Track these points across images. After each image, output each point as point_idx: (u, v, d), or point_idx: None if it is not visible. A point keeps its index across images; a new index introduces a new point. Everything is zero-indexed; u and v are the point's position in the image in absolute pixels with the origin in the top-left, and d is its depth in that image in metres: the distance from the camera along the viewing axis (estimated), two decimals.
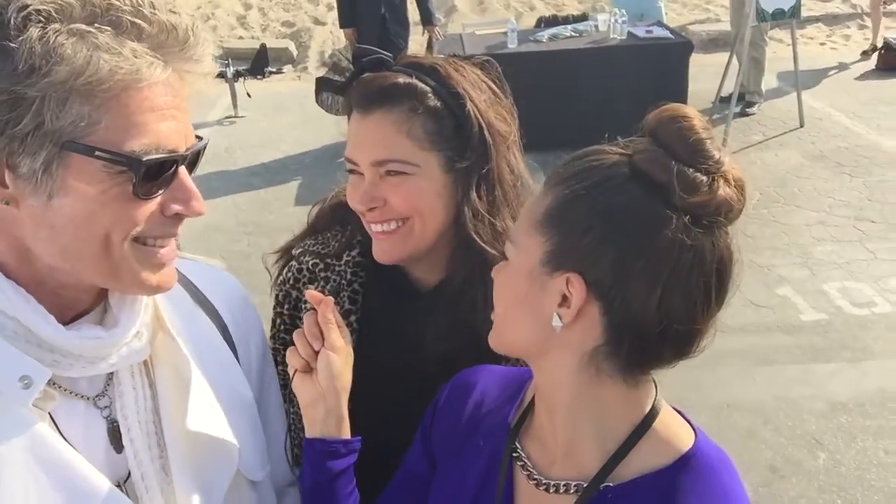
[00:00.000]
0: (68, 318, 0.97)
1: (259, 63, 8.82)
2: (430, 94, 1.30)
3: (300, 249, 1.49)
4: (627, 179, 0.94)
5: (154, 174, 0.90)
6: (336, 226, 1.49)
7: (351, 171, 1.34)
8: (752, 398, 3.91)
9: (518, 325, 1.01)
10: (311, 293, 1.20)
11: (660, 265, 0.92)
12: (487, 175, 1.34)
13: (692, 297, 0.94)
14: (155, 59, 0.87)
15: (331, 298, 1.20)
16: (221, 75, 8.51)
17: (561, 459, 1.05)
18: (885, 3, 9.40)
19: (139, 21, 0.85)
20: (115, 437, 1.00)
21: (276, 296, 1.52)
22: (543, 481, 1.05)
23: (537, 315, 0.98)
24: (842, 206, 5.89)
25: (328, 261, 1.46)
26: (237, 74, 8.37)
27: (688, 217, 0.91)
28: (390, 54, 1.37)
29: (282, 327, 1.54)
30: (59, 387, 0.96)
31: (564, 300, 0.95)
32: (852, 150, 6.86)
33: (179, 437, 1.03)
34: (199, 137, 0.98)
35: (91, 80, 0.83)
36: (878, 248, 5.28)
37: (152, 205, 0.92)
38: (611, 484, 0.99)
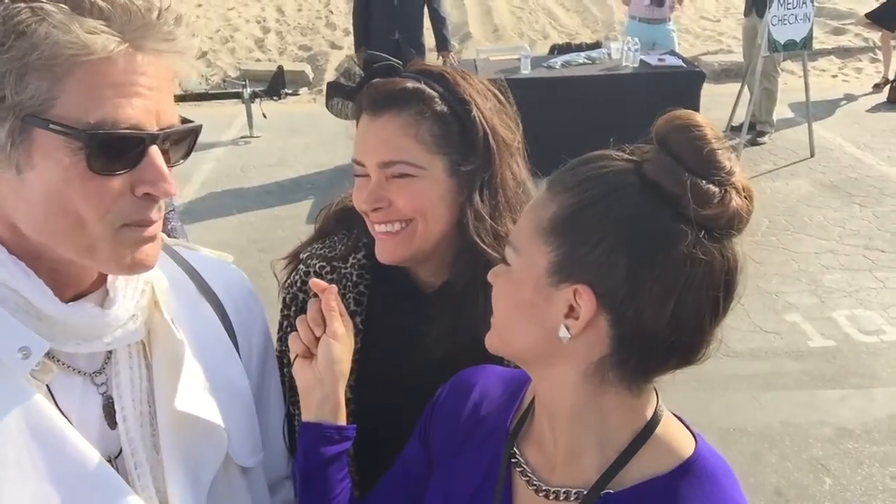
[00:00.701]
0: (69, 296, 1.01)
1: (276, 85, 8.93)
2: (437, 99, 1.34)
3: (307, 253, 1.53)
4: (637, 189, 0.93)
5: (114, 150, 0.90)
6: (341, 230, 1.52)
7: (357, 175, 1.37)
8: (758, 423, 3.91)
9: (520, 332, 1.00)
10: (315, 281, 1.24)
11: (673, 278, 0.91)
12: (491, 180, 1.38)
13: (702, 309, 0.93)
14: (111, 35, 0.88)
15: (334, 287, 1.23)
16: (238, 96, 8.63)
17: (561, 466, 1.04)
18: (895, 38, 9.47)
19: (98, 0, 0.88)
20: (110, 414, 1.04)
21: (284, 298, 1.55)
22: (543, 487, 1.04)
23: (542, 324, 0.97)
24: (851, 235, 5.89)
25: (334, 263, 1.48)
26: (254, 95, 8.48)
27: (702, 231, 0.90)
28: (399, 61, 1.41)
29: (288, 330, 1.55)
30: (59, 361, 1.00)
31: (571, 311, 0.94)
32: (862, 181, 6.88)
33: (171, 417, 1.06)
34: (188, 121, 1.00)
35: (45, 55, 0.85)
36: (887, 276, 5.28)
37: (116, 183, 0.92)
38: (611, 491, 0.99)
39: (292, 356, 1.25)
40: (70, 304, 0.99)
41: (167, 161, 0.97)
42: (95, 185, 0.91)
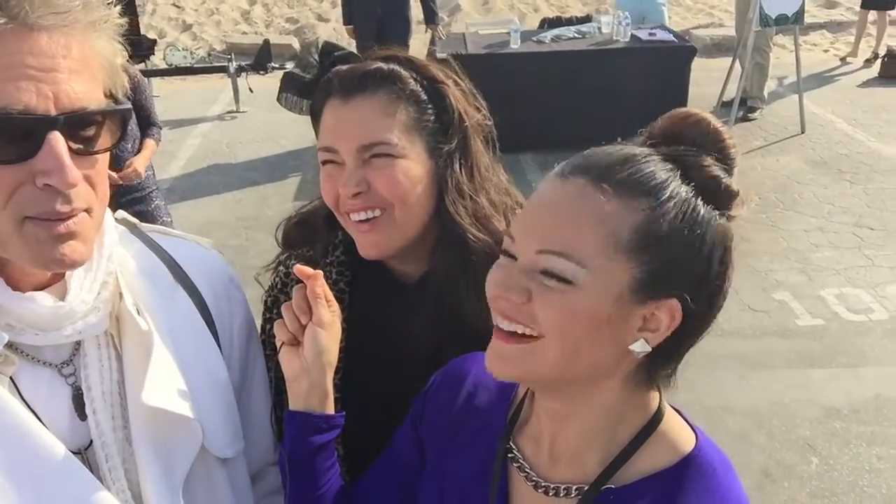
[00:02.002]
0: (27, 289, 0.97)
1: (262, 58, 8.81)
2: (411, 80, 1.31)
3: (286, 254, 1.49)
4: (690, 189, 0.90)
5: (2, 137, 0.85)
6: (306, 241, 1.47)
7: (326, 162, 1.32)
8: (746, 402, 3.91)
9: (593, 352, 0.92)
10: (300, 267, 1.19)
11: (729, 274, 0.93)
12: (466, 159, 1.36)
13: (725, 298, 0.95)
14: None
15: (320, 272, 1.19)
16: (224, 70, 8.52)
17: (562, 462, 1.03)
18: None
19: None
20: (80, 405, 1.01)
21: (265, 301, 1.52)
22: (542, 483, 1.03)
23: (615, 341, 0.91)
24: (841, 212, 5.89)
25: (314, 263, 1.43)
26: (240, 69, 8.37)
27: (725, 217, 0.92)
28: (356, 53, 1.38)
29: (271, 333, 1.53)
30: (22, 352, 0.98)
31: (645, 322, 0.90)
32: (853, 157, 6.87)
33: (142, 409, 1.04)
34: (116, 101, 0.94)
35: None
36: (876, 254, 5.28)
37: (10, 173, 0.87)
38: (613, 486, 0.98)
39: (278, 343, 1.21)
40: (24, 294, 0.96)
41: (83, 148, 0.90)
42: None
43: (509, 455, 1.08)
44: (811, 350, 4.32)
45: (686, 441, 1.01)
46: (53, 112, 0.86)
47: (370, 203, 1.29)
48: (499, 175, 1.43)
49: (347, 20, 7.51)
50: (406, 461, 1.22)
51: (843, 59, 9.57)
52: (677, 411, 1.05)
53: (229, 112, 8.36)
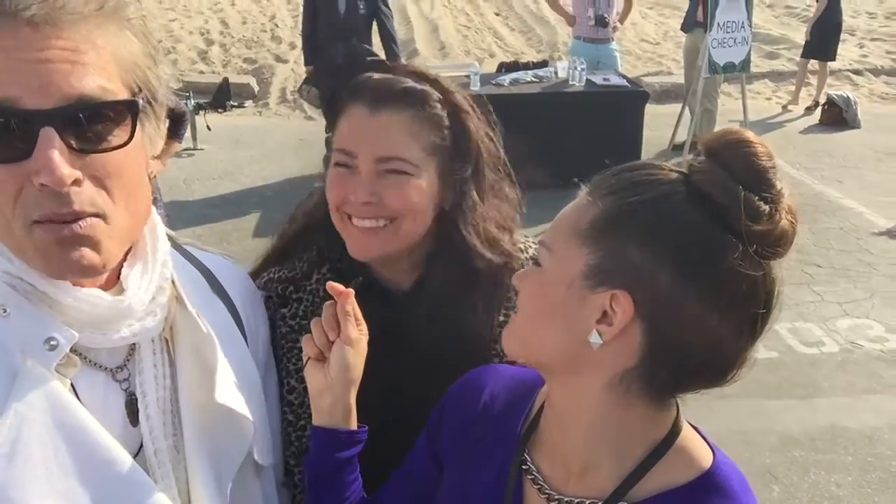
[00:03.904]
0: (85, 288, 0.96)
1: (221, 96, 8.82)
2: (438, 104, 1.36)
3: (265, 279, 1.46)
4: (685, 198, 0.91)
5: None
6: (303, 247, 1.48)
7: (340, 164, 1.34)
8: (710, 429, 3.95)
9: (547, 336, 0.97)
10: (332, 284, 1.21)
11: (719, 292, 0.89)
12: (480, 187, 1.41)
13: (741, 328, 0.92)
14: None
15: (351, 291, 1.21)
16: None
17: (575, 476, 1.03)
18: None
19: None
20: (132, 411, 1.00)
21: None
22: (555, 497, 1.02)
23: (571, 328, 0.94)
24: (790, 250, 6.06)
25: (298, 282, 1.45)
26: (198, 107, 8.34)
27: (752, 247, 0.89)
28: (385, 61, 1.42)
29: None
30: (81, 356, 0.96)
31: (605, 316, 0.92)
32: (799, 199, 7.10)
33: (196, 413, 1.04)
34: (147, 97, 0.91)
35: None
36: (824, 290, 5.47)
37: (6, 171, 0.83)
38: (627, 502, 0.98)
39: (304, 358, 1.23)
40: (82, 289, 0.94)
41: (86, 146, 0.86)
42: None
43: (524, 468, 1.07)
44: (767, 381, 4.42)
45: (703, 458, 1.00)
46: (47, 106, 0.82)
47: (379, 213, 1.33)
48: (506, 201, 1.47)
49: (308, 61, 7.58)
50: (423, 476, 1.22)
51: (784, 107, 9.99)
52: (695, 428, 1.05)
53: (186, 149, 8.27)
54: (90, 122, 0.85)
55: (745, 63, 7.62)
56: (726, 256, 0.88)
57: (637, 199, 0.92)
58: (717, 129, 7.78)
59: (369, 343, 1.43)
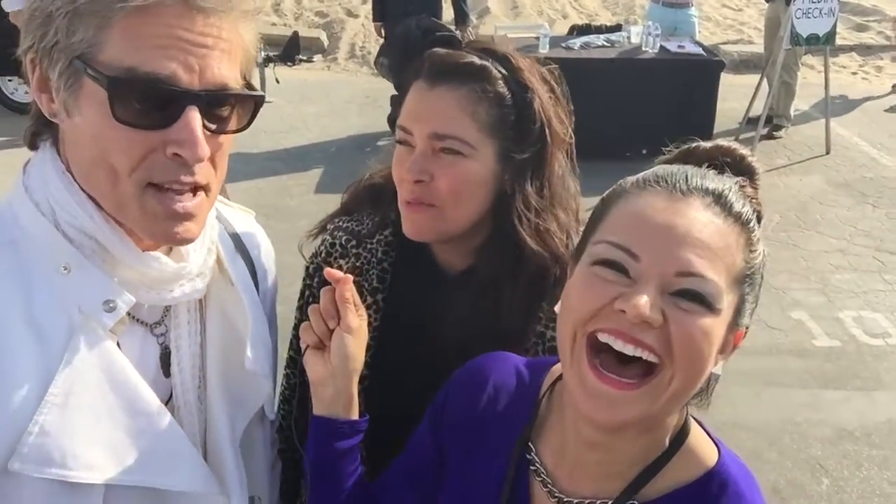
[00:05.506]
0: (146, 249, 1.03)
1: (290, 50, 8.83)
2: (500, 81, 1.31)
3: (333, 225, 1.50)
4: None
5: (143, 102, 0.90)
6: (368, 207, 1.50)
7: (401, 142, 1.33)
8: (758, 419, 3.89)
9: (700, 379, 0.95)
10: (330, 270, 1.18)
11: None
12: (541, 172, 1.35)
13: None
14: None
15: (350, 277, 1.18)
16: None
17: (584, 476, 1.02)
18: None
19: None
20: (165, 363, 1.09)
21: (308, 268, 1.53)
22: (565, 499, 1.02)
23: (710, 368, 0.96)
24: (863, 235, 5.85)
25: (361, 238, 1.46)
26: (267, 59, 8.39)
27: None
28: (458, 35, 1.38)
29: (310, 300, 1.53)
30: (128, 313, 1.03)
31: (723, 348, 0.96)
32: (877, 181, 6.82)
33: (220, 370, 1.13)
34: (251, 87, 0.98)
35: (91, 1, 0.87)
36: None
37: (146, 138, 0.91)
38: (636, 502, 0.98)
39: (303, 346, 1.20)
40: (151, 253, 1.01)
41: (216, 127, 0.95)
42: (126, 136, 0.90)
43: (532, 468, 1.07)
44: (826, 371, 4.29)
45: (709, 455, 1.01)
46: (197, 87, 0.91)
47: (426, 197, 1.30)
48: (570, 193, 1.40)
49: (377, 17, 7.52)
50: (425, 467, 1.21)
51: (894, 87, 9.34)
52: (700, 424, 1.05)
53: None
54: (223, 108, 0.96)
55: (830, 35, 7.23)
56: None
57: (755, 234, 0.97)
58: (794, 102, 7.51)
59: (409, 319, 1.42)
